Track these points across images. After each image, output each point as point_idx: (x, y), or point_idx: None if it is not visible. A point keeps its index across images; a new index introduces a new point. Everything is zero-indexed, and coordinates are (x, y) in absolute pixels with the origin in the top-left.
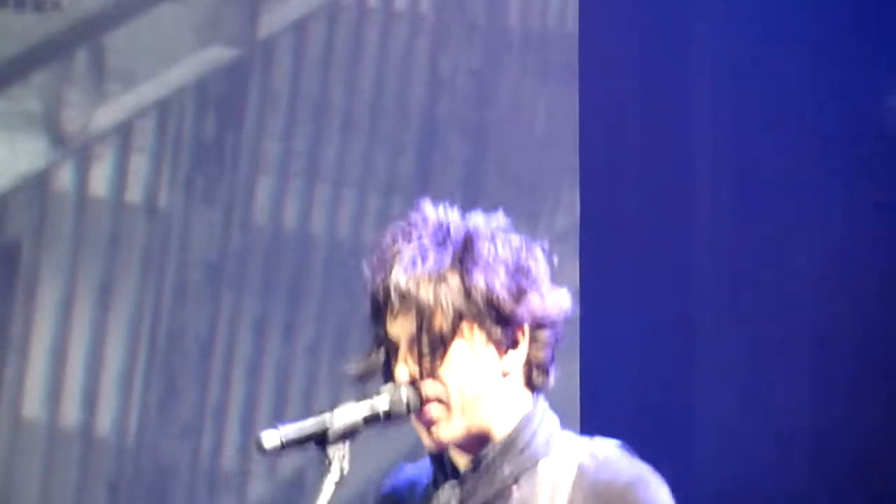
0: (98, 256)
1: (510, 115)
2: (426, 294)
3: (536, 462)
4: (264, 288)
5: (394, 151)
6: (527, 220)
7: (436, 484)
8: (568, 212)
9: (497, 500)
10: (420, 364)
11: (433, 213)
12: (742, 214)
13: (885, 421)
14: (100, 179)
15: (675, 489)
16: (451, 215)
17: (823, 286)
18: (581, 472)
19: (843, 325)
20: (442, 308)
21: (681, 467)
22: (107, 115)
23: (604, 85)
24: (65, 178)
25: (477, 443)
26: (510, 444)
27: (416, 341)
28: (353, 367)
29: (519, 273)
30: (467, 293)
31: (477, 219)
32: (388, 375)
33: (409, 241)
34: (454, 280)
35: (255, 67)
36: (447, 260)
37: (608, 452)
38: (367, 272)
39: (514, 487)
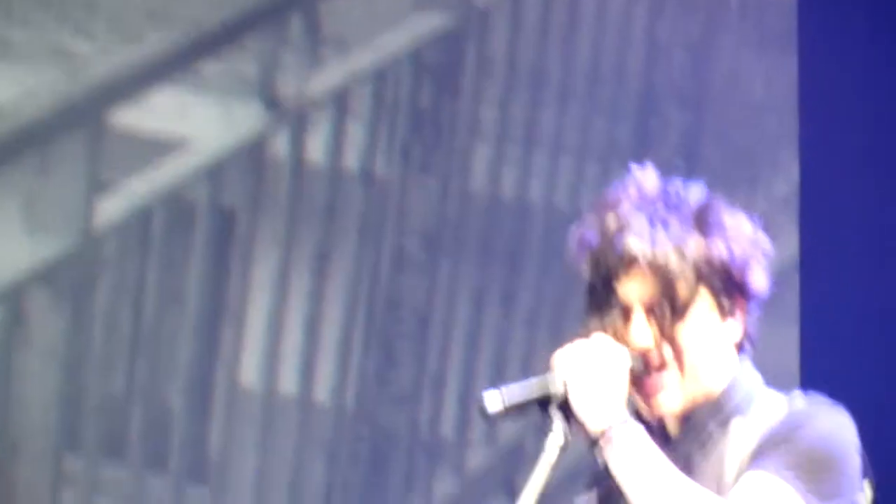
0: (314, 224)
1: (728, 82)
2: (672, 259)
3: (733, 417)
4: (482, 256)
5: (611, 119)
6: (745, 187)
7: None
8: (786, 178)
9: (695, 454)
10: (661, 328)
11: (655, 178)
12: None
13: None
14: (316, 146)
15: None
16: (674, 183)
17: None
18: (770, 417)
19: None
20: (685, 273)
21: None
22: (322, 81)
23: (823, 51)
24: (280, 144)
25: (692, 409)
26: (718, 405)
27: (656, 305)
28: (584, 329)
29: (752, 244)
30: (708, 260)
31: (699, 188)
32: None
33: (642, 205)
34: (697, 246)
35: (471, 34)
36: (689, 226)
37: (802, 402)
38: (589, 236)
39: (709, 441)
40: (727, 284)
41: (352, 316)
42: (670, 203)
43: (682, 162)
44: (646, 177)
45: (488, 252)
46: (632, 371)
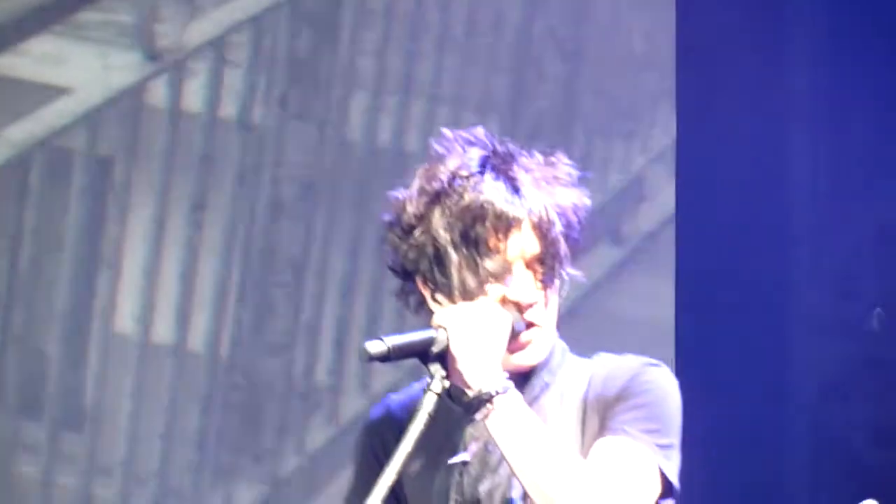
0: (191, 172)
1: (607, 35)
2: (552, 218)
3: (557, 374)
4: (359, 205)
5: (489, 69)
6: (623, 141)
7: (453, 400)
8: (664, 132)
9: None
10: (543, 285)
11: (491, 139)
12: (843, 124)
13: None
14: (193, 95)
15: (768, 386)
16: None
17: None
18: (591, 377)
19: None
20: (559, 230)
21: (774, 364)
22: (200, 30)
23: (700, 6)
24: (158, 92)
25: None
26: (543, 364)
27: (537, 263)
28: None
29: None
30: (564, 215)
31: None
32: (468, 296)
33: (501, 166)
34: (560, 202)
35: None
36: (553, 184)
37: (618, 357)
38: (455, 196)
39: (535, 403)
40: (576, 237)
41: (227, 264)
42: (524, 163)
43: (559, 114)
44: (485, 138)
45: (365, 201)
46: (514, 327)
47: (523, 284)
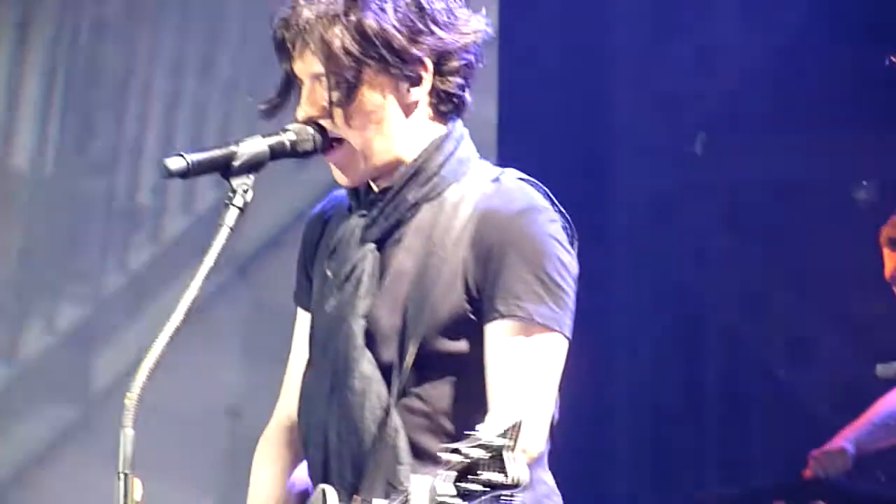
0: None
1: None
2: (325, 35)
3: (445, 188)
4: (181, 24)
5: None
6: None
7: (350, 210)
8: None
9: (400, 224)
10: (321, 105)
11: None
12: None
13: None
14: None
15: (592, 209)
16: None
17: None
18: (481, 198)
19: None
20: (341, 50)
21: (599, 187)
22: None
23: None
24: None
25: (390, 173)
26: (417, 170)
27: (317, 82)
28: (263, 102)
29: (414, 10)
30: (363, 34)
31: None
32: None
33: None
34: (350, 20)
35: None
36: (339, 3)
37: (511, 182)
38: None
39: (417, 211)
40: (393, 55)
41: (51, 84)
42: None
43: None
44: None
45: (187, 21)
46: (314, 142)
47: (302, 100)
